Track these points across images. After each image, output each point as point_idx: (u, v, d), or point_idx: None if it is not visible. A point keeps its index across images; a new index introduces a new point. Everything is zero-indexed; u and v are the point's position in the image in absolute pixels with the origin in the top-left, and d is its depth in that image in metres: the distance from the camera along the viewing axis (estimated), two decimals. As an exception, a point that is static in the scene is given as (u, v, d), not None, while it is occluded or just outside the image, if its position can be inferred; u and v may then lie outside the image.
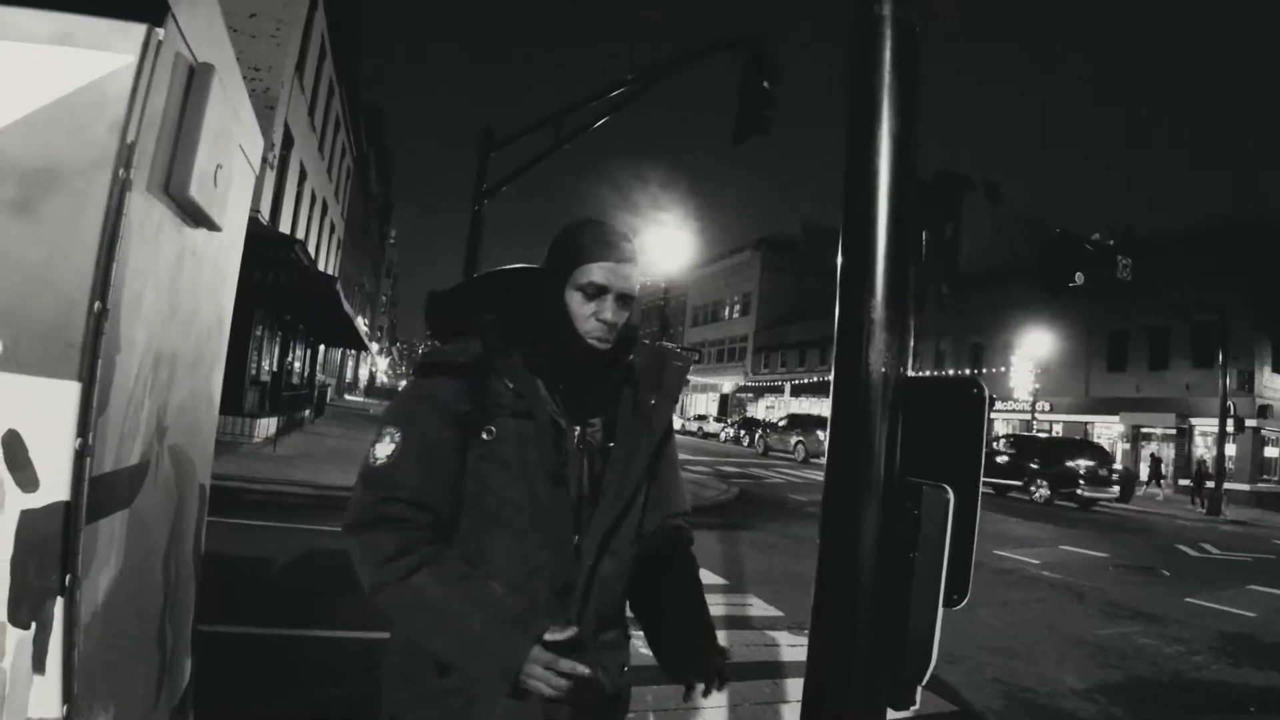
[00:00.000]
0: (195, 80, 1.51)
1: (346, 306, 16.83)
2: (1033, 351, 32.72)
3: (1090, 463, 22.22)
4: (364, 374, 60.59)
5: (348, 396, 45.67)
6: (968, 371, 38.24)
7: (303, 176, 20.52)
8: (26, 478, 1.20)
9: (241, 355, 15.45)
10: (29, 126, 1.24)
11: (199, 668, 2.26)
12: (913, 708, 1.59)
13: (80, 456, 1.23)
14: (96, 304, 1.24)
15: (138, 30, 1.31)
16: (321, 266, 24.22)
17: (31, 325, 1.22)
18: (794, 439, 31.82)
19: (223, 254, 1.99)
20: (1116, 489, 22.58)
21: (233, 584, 5.92)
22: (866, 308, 1.59)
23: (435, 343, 1.63)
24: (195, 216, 1.65)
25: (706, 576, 7.66)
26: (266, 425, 16.04)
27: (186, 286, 1.73)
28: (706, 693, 1.54)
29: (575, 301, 1.51)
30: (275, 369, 19.39)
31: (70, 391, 1.22)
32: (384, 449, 1.45)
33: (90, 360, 1.24)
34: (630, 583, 1.62)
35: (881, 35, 1.61)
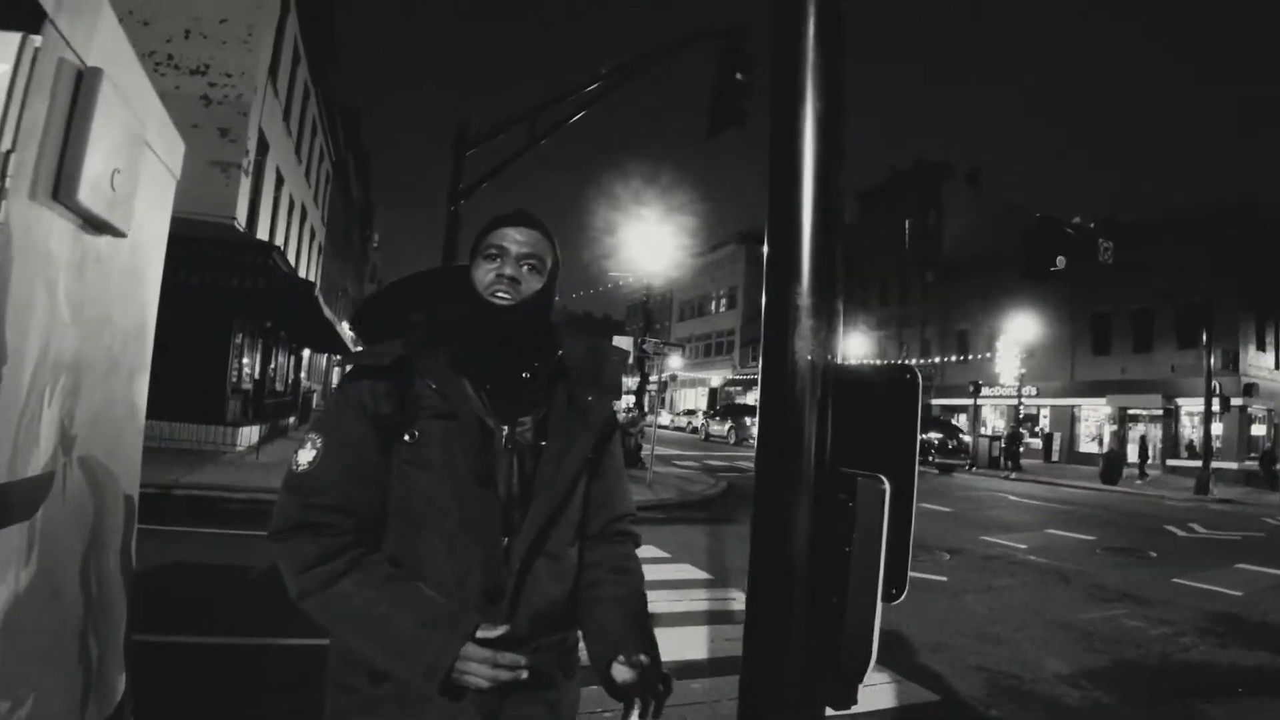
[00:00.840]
0: (83, 85, 1.48)
1: (327, 312, 16.76)
2: (1018, 337, 32.81)
3: (941, 435, 27.99)
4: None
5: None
6: (954, 358, 38.39)
7: (280, 182, 20.39)
8: (-99, 493, 1.18)
9: (221, 363, 15.35)
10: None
11: (163, 678, 2.24)
12: (854, 706, 1.55)
13: (-42, 470, 1.21)
14: (-31, 314, 1.22)
15: (11, 39, 1.29)
16: (302, 272, 24.11)
17: (-99, 338, 1.19)
18: (727, 425, 35.83)
19: (138, 259, 1.97)
20: (967, 459, 27.97)
21: (212, 594, 5.90)
22: (792, 294, 1.56)
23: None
24: (93, 223, 1.63)
25: (690, 571, 7.71)
26: (249, 433, 15.94)
27: (92, 293, 1.70)
28: (642, 715, 1.42)
29: (480, 270, 1.52)
30: (257, 376, 19.27)
31: (-56, 404, 1.20)
32: (306, 455, 1.43)
33: (-36, 372, 1.22)
34: (579, 593, 1.60)
35: (804, 11, 1.59)
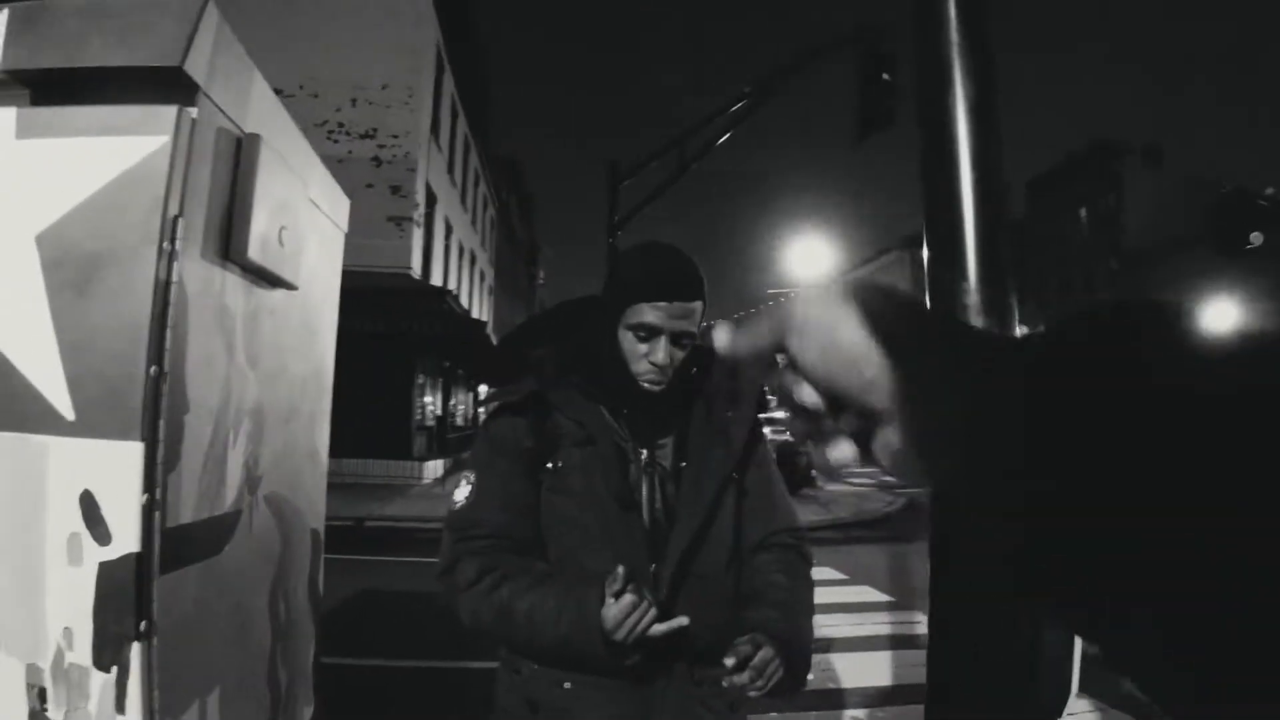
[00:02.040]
0: (244, 150, 1.61)
1: (499, 349, 17.46)
2: (1218, 323, 29.76)
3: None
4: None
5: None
6: (1152, 354, 35.28)
7: (449, 230, 21.62)
8: (101, 533, 1.30)
9: (406, 402, 16.33)
10: (84, 212, 1.36)
11: (357, 700, 2.36)
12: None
13: (149, 510, 1.33)
14: (153, 368, 1.34)
15: (168, 112, 1.41)
16: (475, 313, 25.37)
17: (98, 393, 1.33)
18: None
19: (310, 310, 2.11)
20: None
21: (400, 619, 6.23)
22: (958, 291, 1.46)
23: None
24: (265, 277, 1.76)
25: (871, 594, 7.38)
26: (434, 467, 16.85)
27: (268, 343, 1.83)
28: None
29: (628, 342, 1.44)
30: (439, 413, 20.38)
31: (134, 451, 1.32)
32: (461, 493, 1.48)
33: (152, 420, 1.34)
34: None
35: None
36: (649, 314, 1.41)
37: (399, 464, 15.45)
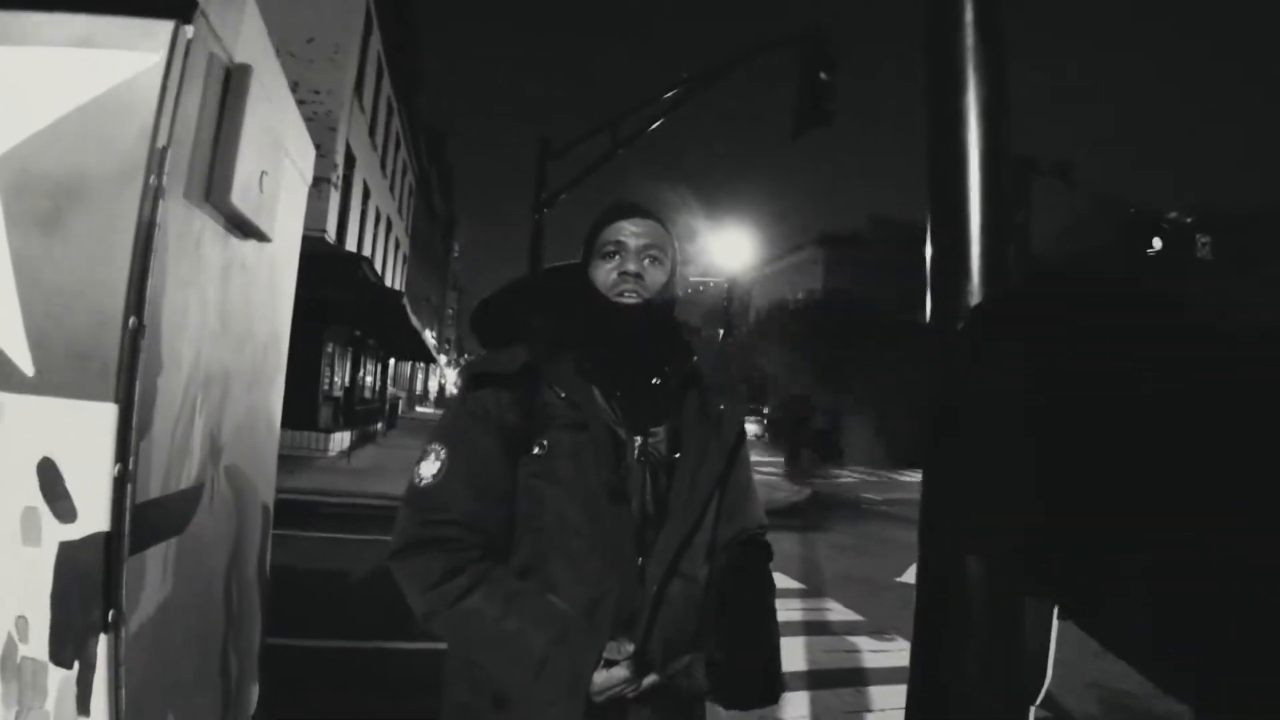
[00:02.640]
0: (232, 81, 1.43)
1: (414, 320, 17.06)
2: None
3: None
4: (434, 385, 61.66)
5: (419, 408, 46.56)
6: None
7: (366, 194, 20.91)
8: (64, 508, 1.12)
9: (314, 371, 15.77)
10: (54, 136, 1.17)
11: (269, 685, 2.21)
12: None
13: (120, 483, 1.15)
14: (131, 320, 1.16)
15: (163, 28, 1.22)
16: (389, 282, 24.67)
17: (64, 346, 1.14)
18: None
19: (276, 267, 1.93)
20: None
21: (308, 598, 5.98)
22: (962, 293, 1.42)
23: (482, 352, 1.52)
24: (242, 226, 1.58)
25: (783, 581, 7.51)
26: (340, 439, 16.36)
27: (237, 301, 1.65)
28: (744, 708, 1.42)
29: (600, 270, 1.43)
30: (347, 384, 19.77)
31: (107, 414, 1.14)
32: (429, 467, 1.34)
33: (128, 380, 1.16)
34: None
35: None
36: (612, 232, 1.43)
37: (304, 435, 14.92)
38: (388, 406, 27.52)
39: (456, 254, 58.68)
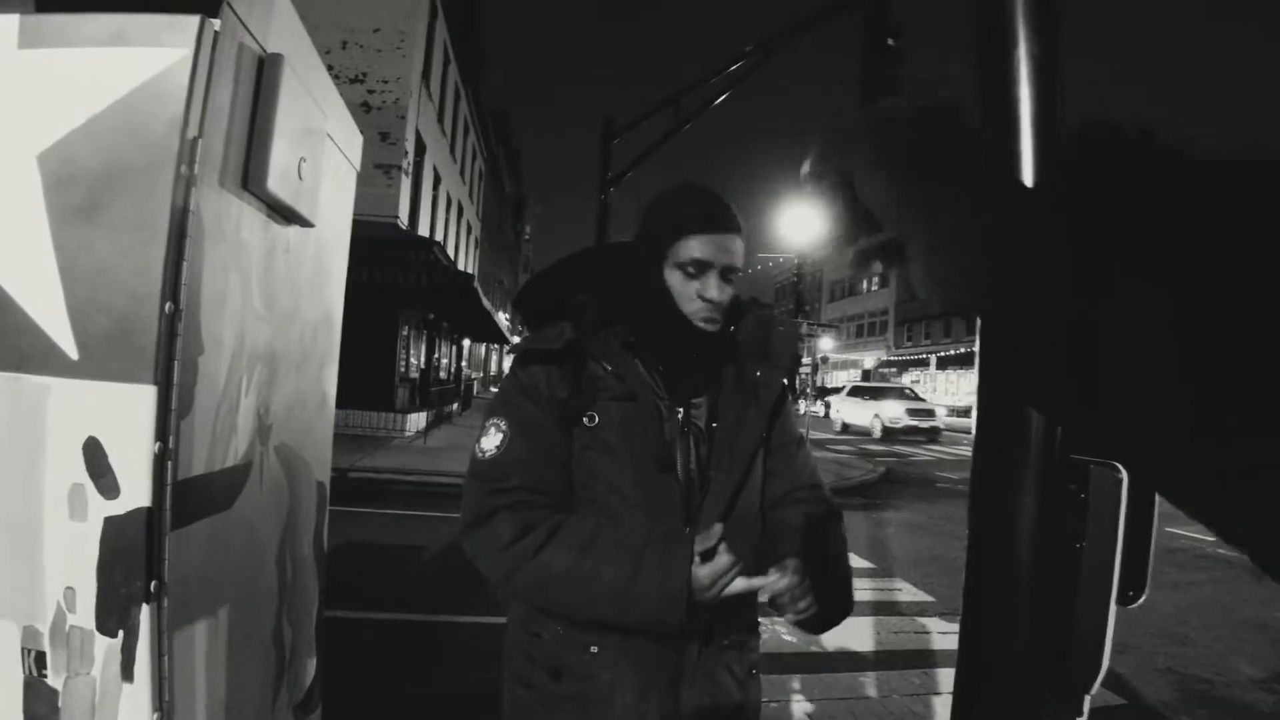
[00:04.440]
0: (265, 71, 1.46)
1: (486, 303, 17.36)
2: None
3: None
4: (507, 366, 62.59)
5: (493, 389, 47.47)
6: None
7: (437, 180, 21.28)
8: (107, 484, 1.18)
9: (390, 354, 16.19)
10: (91, 130, 1.22)
11: (341, 654, 2.29)
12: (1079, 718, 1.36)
13: (161, 461, 1.21)
14: (168, 304, 1.21)
15: (190, 22, 1.26)
16: (461, 265, 25.10)
17: (104, 330, 1.20)
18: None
19: (324, 250, 1.98)
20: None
21: (385, 572, 6.18)
22: None
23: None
24: (282, 212, 1.62)
25: (853, 560, 7.45)
26: (417, 420, 16.76)
27: (282, 283, 1.71)
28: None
29: (676, 280, 1.39)
30: (423, 366, 20.24)
31: (146, 395, 1.19)
32: (490, 441, 1.38)
33: (165, 362, 1.21)
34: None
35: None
36: (697, 248, 1.37)
37: (381, 415, 15.36)
38: (462, 387, 28.10)
39: (527, 236, 59.29)
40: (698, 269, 1.37)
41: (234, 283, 1.45)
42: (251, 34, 1.43)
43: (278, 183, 1.50)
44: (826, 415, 32.98)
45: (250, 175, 1.44)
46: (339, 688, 2.84)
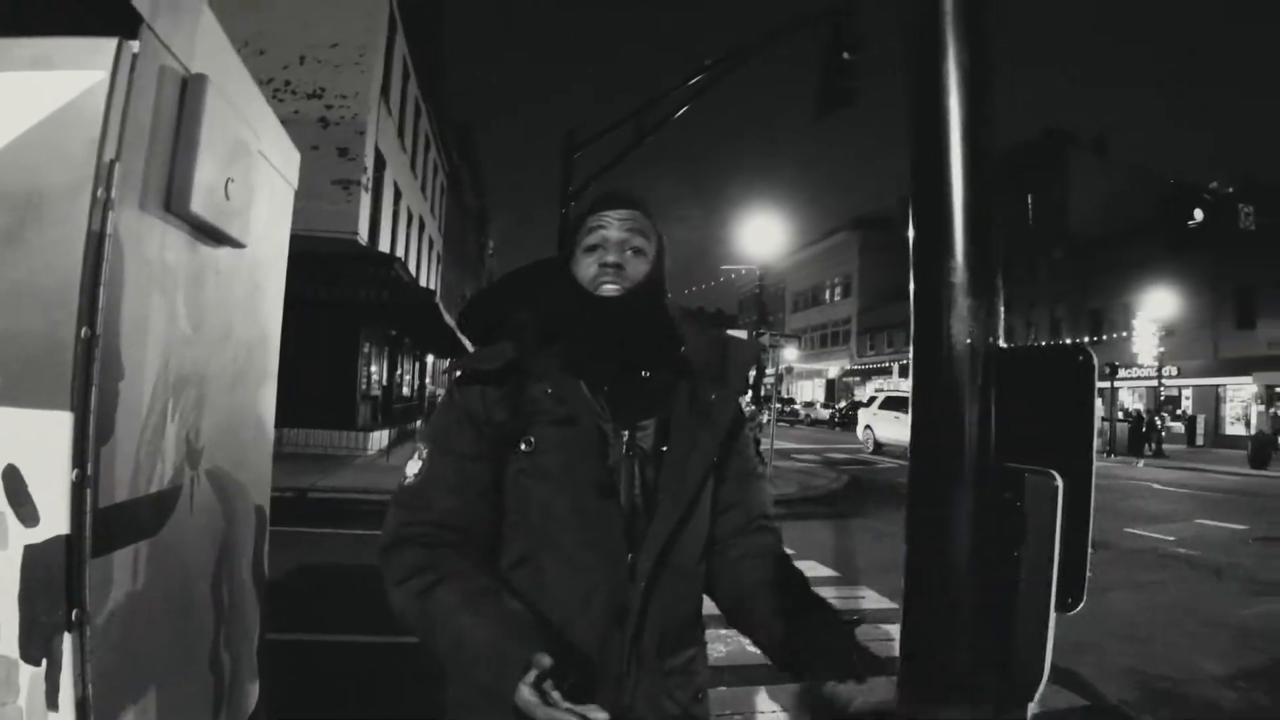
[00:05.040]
0: (188, 92, 1.46)
1: (448, 318, 17.26)
2: (1156, 313, 30.66)
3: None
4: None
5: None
6: (1087, 339, 35.98)
7: (398, 195, 21.15)
8: (27, 513, 1.17)
9: (351, 372, 16.03)
10: (14, 152, 1.21)
11: (297, 678, 2.26)
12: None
13: (79, 488, 1.19)
14: (84, 329, 1.20)
15: (108, 45, 1.26)
16: (423, 281, 24.95)
17: (22, 356, 1.18)
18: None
19: (259, 270, 1.96)
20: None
21: (346, 593, 6.10)
22: (944, 270, 1.39)
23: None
24: (209, 233, 1.61)
25: (817, 569, 7.52)
26: (379, 438, 16.60)
27: (213, 305, 1.69)
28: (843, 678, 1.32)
29: (582, 266, 1.41)
30: (385, 383, 20.05)
31: (62, 422, 1.18)
32: (413, 467, 1.36)
33: (83, 388, 1.20)
34: (723, 592, 1.50)
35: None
36: (595, 225, 1.41)
37: (343, 434, 15.19)
38: (426, 404, 27.87)
39: (490, 250, 59.06)
40: (596, 240, 1.40)
41: (157, 305, 1.43)
42: (174, 55, 1.42)
43: (203, 204, 1.49)
44: (838, 426, 32.38)
45: (173, 197, 1.43)
46: (294, 712, 2.80)
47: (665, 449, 1.39)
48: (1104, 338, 35.10)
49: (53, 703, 1.17)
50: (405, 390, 24.10)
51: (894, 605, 6.45)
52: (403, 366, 23.24)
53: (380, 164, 18.60)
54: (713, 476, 1.45)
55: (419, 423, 24.15)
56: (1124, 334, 33.49)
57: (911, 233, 1.45)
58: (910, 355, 1.43)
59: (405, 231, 22.70)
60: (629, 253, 1.40)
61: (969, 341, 1.33)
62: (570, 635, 1.31)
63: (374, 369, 18.72)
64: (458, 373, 1.43)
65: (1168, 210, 15.46)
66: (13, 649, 1.17)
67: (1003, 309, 1.46)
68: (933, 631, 1.37)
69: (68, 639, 1.18)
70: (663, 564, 1.35)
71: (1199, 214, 14.46)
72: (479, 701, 1.33)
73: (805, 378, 60.64)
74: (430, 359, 30.87)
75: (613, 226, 1.40)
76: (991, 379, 1.32)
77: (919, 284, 1.40)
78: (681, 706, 1.40)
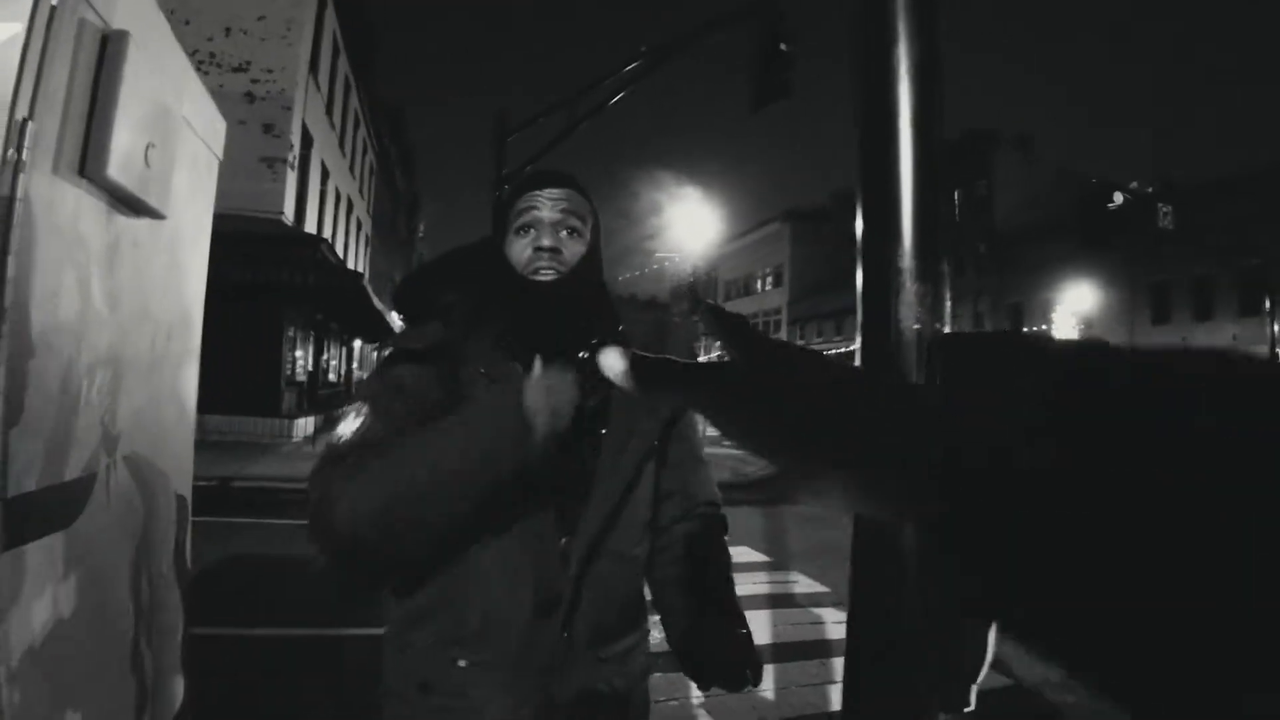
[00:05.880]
0: (108, 49, 1.34)
1: (377, 302, 16.88)
2: (1075, 308, 31.97)
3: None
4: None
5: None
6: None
7: (325, 175, 20.55)
8: (-79, 503, 1.06)
9: (275, 357, 15.57)
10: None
11: (223, 674, 2.15)
12: (967, 709, 1.38)
13: (-17, 476, 1.09)
14: (-11, 303, 1.10)
15: (24, -5, 1.15)
16: (351, 264, 24.32)
17: (-82, 332, 1.07)
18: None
19: (179, 244, 1.84)
20: None
21: (272, 585, 5.91)
22: (892, 257, 1.38)
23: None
24: (127, 201, 1.50)
25: (748, 554, 7.57)
26: (304, 424, 16.15)
27: (129, 281, 1.57)
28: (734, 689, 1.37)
29: (516, 248, 1.35)
30: (311, 368, 19.54)
31: (-37, 403, 1.07)
32: (349, 425, 1.25)
33: (-13, 367, 1.09)
34: (650, 579, 1.48)
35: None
36: (527, 205, 1.34)
37: (267, 421, 14.74)
38: (353, 390, 27.28)
39: (421, 234, 58.04)
40: (529, 221, 1.35)
41: (70, 279, 1.32)
42: (95, 9, 1.31)
43: (120, 170, 1.38)
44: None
45: (89, 161, 1.32)
46: (220, 710, 2.68)
47: (604, 432, 1.36)
48: (1025, 330, 36.32)
49: (-43, 711, 1.07)
50: (331, 376, 23.52)
51: (825, 589, 6.56)
52: (329, 351, 22.67)
53: (308, 141, 18.03)
54: (653, 461, 1.43)
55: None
56: (1043, 326, 34.78)
57: (860, 219, 1.45)
58: (858, 341, 1.43)
59: (333, 212, 22.08)
60: (564, 233, 1.36)
61: (917, 327, 1.33)
62: (498, 624, 1.27)
63: (299, 353, 18.21)
64: (388, 350, 1.39)
65: (1087, 207, 16.03)
66: (-88, 653, 1.06)
67: (948, 294, 1.47)
68: (878, 612, 1.37)
69: (-28, 642, 1.08)
70: (597, 550, 1.32)
71: (1118, 197, 15.05)
72: (412, 692, 1.29)
73: (736, 366, 60.98)
74: (358, 344, 30.20)
75: (545, 207, 1.35)
76: (938, 364, 1.32)
77: (867, 270, 1.39)
78: (618, 694, 1.37)
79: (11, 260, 1.12)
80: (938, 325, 1.35)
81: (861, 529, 1.42)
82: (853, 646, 1.44)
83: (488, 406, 1.17)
